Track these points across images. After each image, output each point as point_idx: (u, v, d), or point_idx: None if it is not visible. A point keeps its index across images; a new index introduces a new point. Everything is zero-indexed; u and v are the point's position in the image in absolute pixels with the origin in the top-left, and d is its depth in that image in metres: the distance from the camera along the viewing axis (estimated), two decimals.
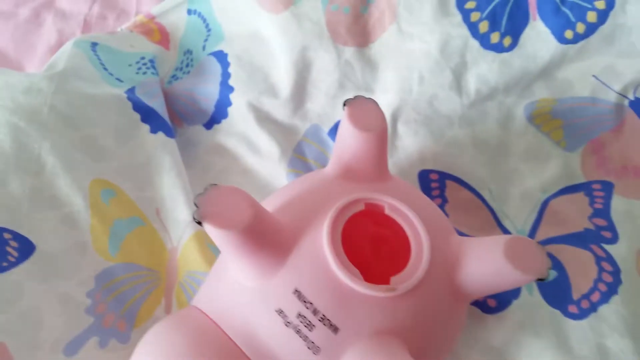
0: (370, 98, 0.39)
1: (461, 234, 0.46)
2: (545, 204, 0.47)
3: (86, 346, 0.41)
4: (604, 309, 0.41)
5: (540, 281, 0.41)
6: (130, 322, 0.43)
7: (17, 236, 0.41)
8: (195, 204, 0.30)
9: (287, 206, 0.37)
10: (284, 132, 0.52)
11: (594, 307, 0.42)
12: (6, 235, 0.40)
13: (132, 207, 0.47)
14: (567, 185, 0.48)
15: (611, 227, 0.45)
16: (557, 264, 0.44)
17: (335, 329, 0.31)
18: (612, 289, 0.42)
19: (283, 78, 0.53)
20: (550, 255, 0.45)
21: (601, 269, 0.43)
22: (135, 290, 0.44)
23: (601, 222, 0.46)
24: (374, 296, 0.31)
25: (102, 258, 0.44)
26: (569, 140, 0.50)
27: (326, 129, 0.53)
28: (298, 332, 0.31)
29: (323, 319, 0.31)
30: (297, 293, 0.31)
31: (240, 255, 0.32)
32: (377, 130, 0.38)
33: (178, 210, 0.47)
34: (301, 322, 0.31)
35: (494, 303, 0.43)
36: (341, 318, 0.31)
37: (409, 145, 0.50)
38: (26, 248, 0.41)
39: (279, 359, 0.32)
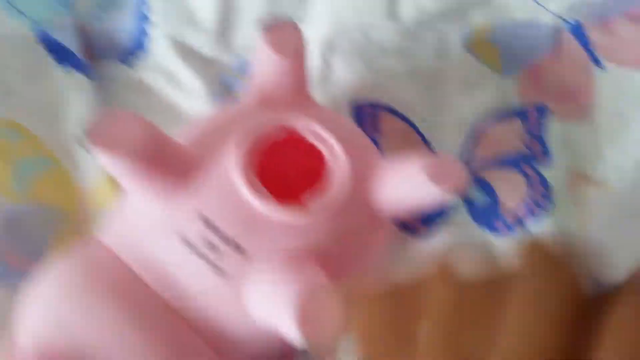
0: (289, 21, 0.37)
1: None
2: (479, 131, 0.46)
3: None
4: (532, 227, 0.41)
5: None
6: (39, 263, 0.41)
7: None
8: (86, 130, 0.28)
9: (199, 134, 0.35)
10: (208, 66, 0.49)
11: (521, 224, 0.41)
12: None
13: (40, 148, 0.44)
14: (502, 112, 0.47)
15: (545, 150, 0.45)
16: (487, 188, 0.44)
17: (243, 253, 0.30)
18: (542, 208, 0.42)
19: (205, 8, 0.50)
20: (481, 180, 0.44)
21: (532, 190, 0.43)
22: (44, 230, 0.42)
23: (535, 144, 0.45)
24: (286, 219, 0.30)
25: (6, 198, 0.42)
26: (506, 66, 0.49)
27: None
28: (203, 257, 0.30)
29: (230, 243, 0.30)
30: (202, 217, 0.30)
31: (136, 180, 0.30)
32: (297, 54, 0.36)
33: None
34: (206, 246, 0.30)
35: (421, 224, 0.42)
36: (250, 242, 0.30)
37: (342, 77, 0.48)
38: None
39: (184, 285, 0.31)
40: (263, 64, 0.37)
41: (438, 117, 0.47)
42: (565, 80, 0.48)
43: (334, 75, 0.48)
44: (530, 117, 0.47)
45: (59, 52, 0.47)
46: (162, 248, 0.31)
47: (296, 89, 0.38)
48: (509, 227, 0.42)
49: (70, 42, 0.47)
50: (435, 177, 0.31)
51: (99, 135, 0.28)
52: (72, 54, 0.47)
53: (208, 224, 0.30)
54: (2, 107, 0.44)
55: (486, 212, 0.43)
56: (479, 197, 0.44)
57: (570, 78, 0.48)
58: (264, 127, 0.33)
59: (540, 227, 0.41)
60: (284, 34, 0.36)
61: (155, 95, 0.49)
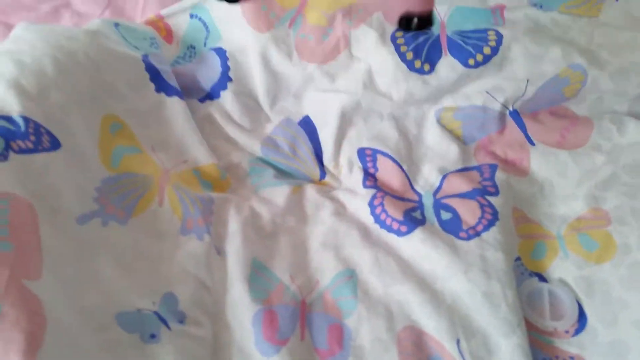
0: None
1: (385, 192, 0.62)
2: (445, 175, 0.64)
3: (92, 222, 0.52)
4: (485, 235, 0.57)
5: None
6: (128, 213, 0.55)
7: (49, 133, 0.53)
8: None
9: None
10: (260, 118, 0.70)
11: (478, 234, 0.57)
12: (42, 130, 0.52)
13: (132, 139, 0.60)
14: (463, 167, 0.65)
15: (494, 186, 0.62)
16: (451, 209, 0.60)
17: None
18: (491, 223, 0.58)
19: (259, 82, 0.70)
20: (447, 205, 0.61)
21: (484, 211, 0.59)
22: (133, 190, 0.56)
23: (487, 183, 0.63)
24: None
25: (106, 169, 0.56)
26: (466, 137, 0.68)
27: (296, 120, 0.70)
28: None
29: None
30: None
31: None
32: None
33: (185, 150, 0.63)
34: None
35: (405, 229, 0.58)
36: None
37: (353, 130, 0.67)
38: (55, 143, 0.53)
39: None
40: None
41: (417, 163, 0.66)
42: (508, 151, 0.67)
43: (350, 129, 0.67)
44: (484, 170, 0.65)
45: (155, 77, 0.64)
46: None
47: None
48: (469, 237, 0.58)
49: (164, 72, 0.65)
50: None
51: None
52: (165, 80, 0.65)
53: None
54: (113, 105, 0.59)
55: (452, 226, 0.59)
56: (446, 215, 0.60)
57: (510, 150, 0.67)
58: None
59: (490, 234, 0.57)
60: None
61: (220, 128, 0.69)
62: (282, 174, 0.68)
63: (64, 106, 0.55)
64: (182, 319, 0.51)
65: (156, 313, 0.50)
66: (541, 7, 0.70)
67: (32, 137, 0.51)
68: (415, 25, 0.34)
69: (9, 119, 0.51)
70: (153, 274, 0.53)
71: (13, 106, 0.51)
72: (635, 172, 0.61)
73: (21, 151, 0.50)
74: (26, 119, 0.51)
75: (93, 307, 0.48)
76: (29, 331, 0.41)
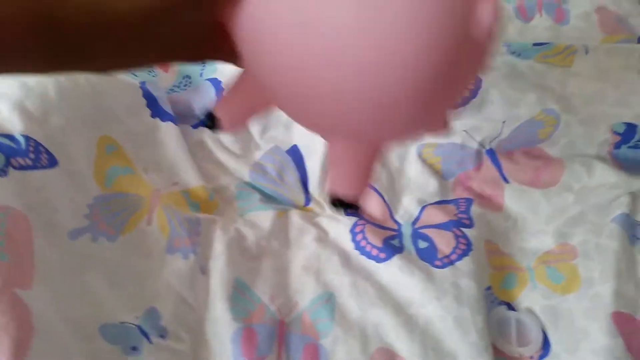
0: None
1: (366, 220, 0.65)
2: (424, 207, 0.67)
3: (82, 237, 0.54)
4: (458, 264, 0.60)
5: None
6: (118, 230, 0.57)
7: (48, 152, 0.55)
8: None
9: None
10: (250, 146, 0.73)
11: (452, 262, 0.60)
12: (41, 148, 0.55)
13: (127, 161, 0.63)
14: (441, 199, 0.69)
15: (469, 219, 0.66)
16: (428, 239, 0.63)
17: None
18: (465, 253, 0.61)
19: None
20: (424, 234, 0.64)
21: (458, 242, 0.62)
22: (124, 209, 0.59)
23: (463, 216, 0.66)
24: None
25: (99, 187, 0.59)
26: (445, 172, 0.71)
27: (284, 149, 0.73)
28: None
29: None
30: None
31: None
32: None
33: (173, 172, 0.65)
34: None
35: (384, 255, 0.61)
36: None
37: None
38: (52, 161, 0.56)
39: None
40: None
41: (398, 193, 0.69)
42: (483, 187, 0.70)
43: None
44: (461, 204, 0.68)
45: (151, 103, 0.67)
46: None
47: None
48: (444, 265, 0.61)
49: (160, 98, 0.68)
50: None
51: None
52: (160, 107, 0.68)
53: None
54: (110, 127, 0.62)
55: (428, 255, 0.62)
56: (423, 244, 0.63)
57: (486, 186, 0.70)
58: None
59: (463, 263, 0.60)
60: None
61: (211, 152, 0.72)
62: (268, 198, 0.70)
63: (64, 128, 0.58)
64: (163, 334, 0.53)
65: (138, 327, 0.52)
66: (519, 55, 0.75)
67: (32, 155, 0.54)
68: (340, 208, 0.29)
69: (11, 137, 0.54)
70: (138, 290, 0.55)
71: (16, 126, 0.54)
72: (601, 212, 0.65)
73: (20, 167, 0.53)
74: (27, 138, 0.54)
75: (80, 318, 0.50)
76: (17, 337, 0.43)
